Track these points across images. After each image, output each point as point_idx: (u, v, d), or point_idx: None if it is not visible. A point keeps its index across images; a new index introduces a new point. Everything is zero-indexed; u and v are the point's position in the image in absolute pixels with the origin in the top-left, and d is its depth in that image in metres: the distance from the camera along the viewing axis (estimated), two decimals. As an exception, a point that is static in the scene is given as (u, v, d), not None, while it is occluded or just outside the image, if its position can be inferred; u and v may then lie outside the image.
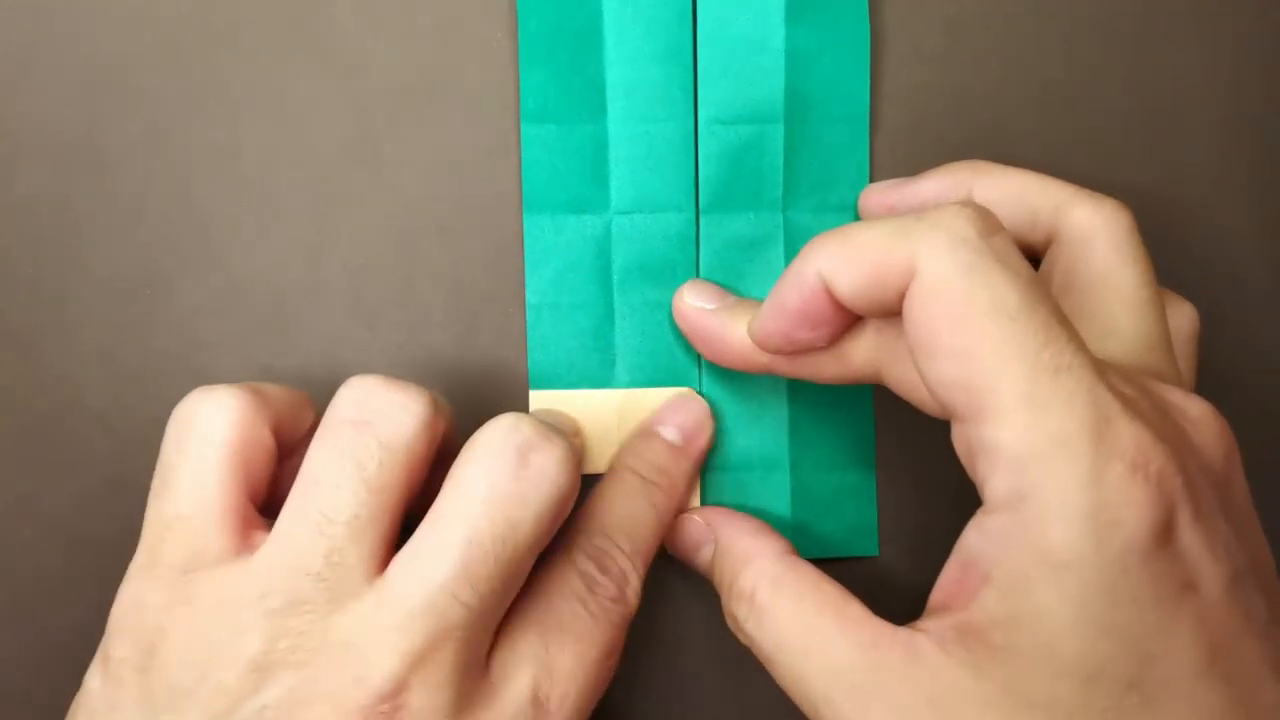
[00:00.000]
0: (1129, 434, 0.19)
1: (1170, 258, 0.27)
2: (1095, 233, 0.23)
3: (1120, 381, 0.20)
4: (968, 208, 0.20)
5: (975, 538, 0.20)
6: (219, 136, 0.27)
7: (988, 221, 0.20)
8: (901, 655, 0.20)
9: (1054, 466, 0.18)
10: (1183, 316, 0.25)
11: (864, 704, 0.20)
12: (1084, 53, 0.28)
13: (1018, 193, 0.24)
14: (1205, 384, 0.25)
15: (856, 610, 0.21)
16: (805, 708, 0.21)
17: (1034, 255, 0.24)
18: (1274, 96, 0.28)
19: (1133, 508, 0.18)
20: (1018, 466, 0.19)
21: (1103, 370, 0.19)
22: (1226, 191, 0.28)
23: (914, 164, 0.27)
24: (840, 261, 0.21)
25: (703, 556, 0.25)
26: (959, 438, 0.20)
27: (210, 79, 0.27)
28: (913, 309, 0.20)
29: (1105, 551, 0.18)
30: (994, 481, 0.19)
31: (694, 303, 0.26)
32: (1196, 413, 0.21)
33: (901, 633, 0.20)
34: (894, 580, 0.27)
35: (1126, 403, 0.19)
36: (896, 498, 0.28)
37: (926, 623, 0.20)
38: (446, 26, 0.27)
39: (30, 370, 0.27)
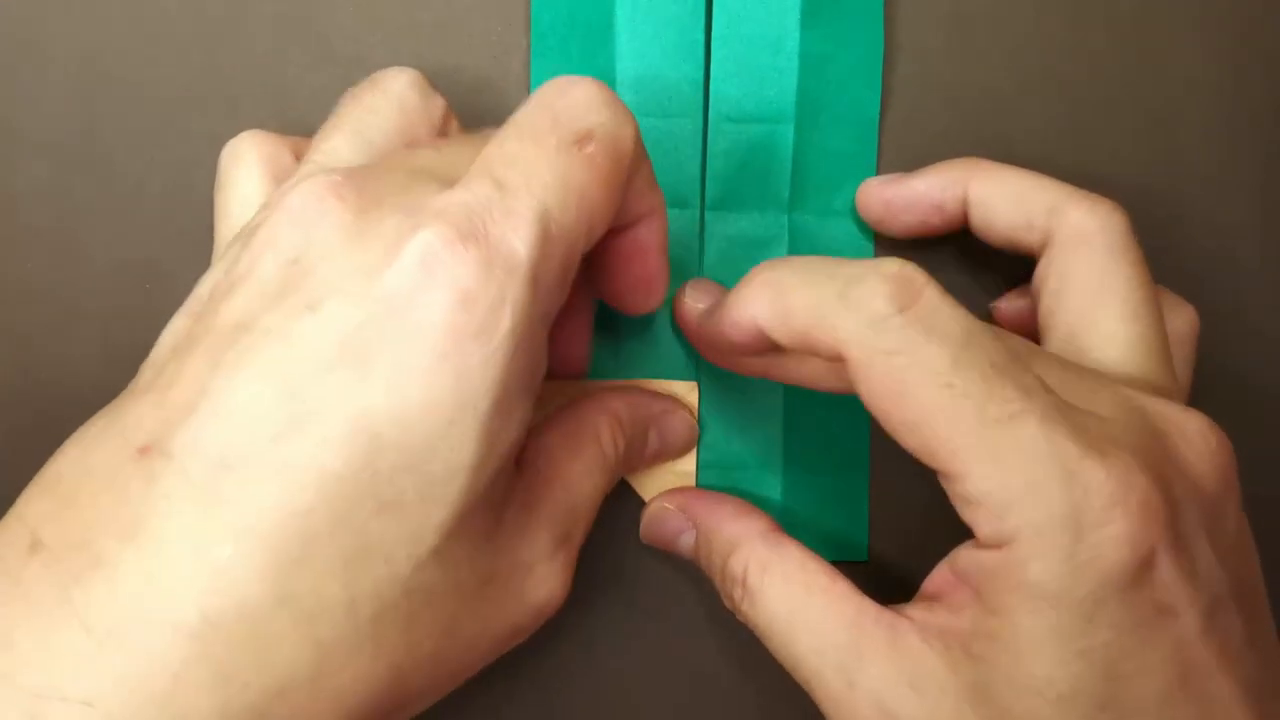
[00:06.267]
0: (1101, 471, 0.19)
1: (1170, 257, 0.27)
2: (1090, 235, 0.23)
3: (1094, 406, 0.20)
4: (887, 280, 0.20)
5: (967, 558, 0.20)
6: (219, 131, 0.26)
7: (907, 290, 0.20)
8: (886, 636, 0.21)
9: (1030, 511, 0.19)
10: (1182, 318, 0.25)
11: (849, 680, 0.20)
12: (1085, 50, 0.28)
13: (1013, 193, 0.24)
14: (1204, 384, 0.25)
15: (843, 587, 0.22)
16: (800, 682, 0.22)
17: (1030, 256, 0.24)
18: (1275, 94, 0.28)
19: (1110, 544, 0.19)
20: (998, 515, 0.19)
21: (1060, 406, 0.19)
22: (1226, 190, 0.28)
23: (915, 158, 0.27)
24: (776, 320, 0.21)
25: (684, 544, 0.25)
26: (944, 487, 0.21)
27: (210, 73, 0.26)
28: (856, 387, 0.20)
29: (1082, 587, 0.19)
30: (980, 529, 0.20)
31: (694, 303, 0.25)
32: (1191, 428, 0.21)
33: (886, 614, 0.21)
34: (884, 585, 0.27)
35: (1094, 438, 0.19)
36: (889, 503, 0.28)
37: (915, 610, 0.21)
38: (447, 21, 0.27)
39: (30, 368, 0.26)
